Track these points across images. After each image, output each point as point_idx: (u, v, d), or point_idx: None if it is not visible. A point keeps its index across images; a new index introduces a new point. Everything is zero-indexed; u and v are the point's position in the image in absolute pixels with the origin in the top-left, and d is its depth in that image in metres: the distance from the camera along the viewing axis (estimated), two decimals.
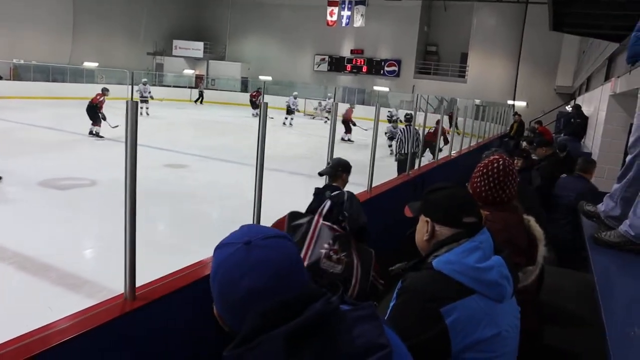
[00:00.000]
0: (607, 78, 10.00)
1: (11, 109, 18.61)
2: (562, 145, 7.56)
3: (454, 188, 1.65)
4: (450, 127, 11.61)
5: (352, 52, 34.05)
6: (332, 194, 3.12)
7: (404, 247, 1.94)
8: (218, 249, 0.97)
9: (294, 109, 22.94)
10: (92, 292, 4.66)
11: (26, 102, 21.69)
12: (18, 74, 26.08)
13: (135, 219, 2.08)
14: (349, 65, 34.02)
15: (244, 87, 34.45)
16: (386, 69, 32.78)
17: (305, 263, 2.78)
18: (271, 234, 0.96)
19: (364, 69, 33.56)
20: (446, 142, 10.72)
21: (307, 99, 28.37)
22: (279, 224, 3.05)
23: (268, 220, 2.77)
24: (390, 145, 15.26)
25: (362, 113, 21.87)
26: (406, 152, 9.54)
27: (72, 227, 6.61)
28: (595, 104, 9.02)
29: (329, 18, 31.72)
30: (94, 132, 14.20)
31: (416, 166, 7.03)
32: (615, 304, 2.06)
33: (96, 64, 28.57)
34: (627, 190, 2.54)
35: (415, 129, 9.82)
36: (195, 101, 30.96)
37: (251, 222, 2.54)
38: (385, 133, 15.60)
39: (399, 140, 10.24)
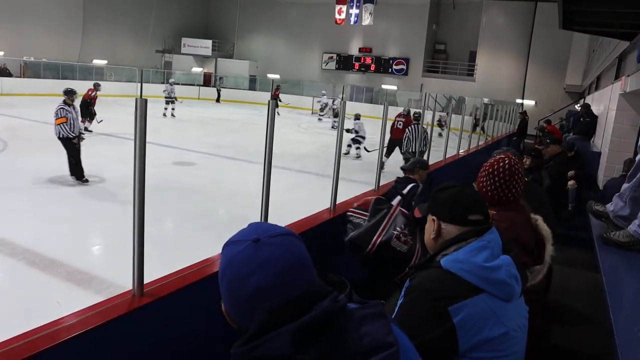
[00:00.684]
0: (617, 77, 9.92)
1: (21, 106, 18.75)
2: (570, 144, 7.51)
3: (461, 187, 1.65)
4: (475, 130, 11.17)
5: (360, 50, 33.98)
6: (409, 188, 3.79)
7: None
8: (227, 246, 0.98)
9: (326, 107, 23.80)
10: (100, 288, 4.70)
11: (36, 99, 21.82)
12: (28, 71, 26.25)
13: (143, 216, 2.10)
14: (357, 64, 33.95)
15: (252, 85, 34.49)
16: (394, 67, 32.69)
17: (378, 240, 3.28)
18: (279, 231, 0.96)
19: (372, 67, 33.48)
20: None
21: (315, 97, 28.39)
22: (364, 202, 3.65)
23: (276, 217, 2.77)
24: (349, 145, 13.64)
25: (369, 112, 21.84)
26: (414, 150, 9.53)
27: (81, 223, 6.65)
28: (605, 102, 8.95)
29: (337, 16, 31.66)
30: (86, 129, 14.21)
31: None
32: (623, 304, 2.05)
33: (105, 62, 28.71)
34: (637, 190, 2.52)
35: (424, 127, 9.79)
36: (217, 100, 30.95)
37: (259, 220, 2.55)
38: (348, 130, 13.15)
39: (406, 139, 10.23)
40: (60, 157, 8.53)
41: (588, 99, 15.59)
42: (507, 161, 2.17)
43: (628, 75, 6.44)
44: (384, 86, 31.42)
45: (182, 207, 7.71)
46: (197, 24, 37.23)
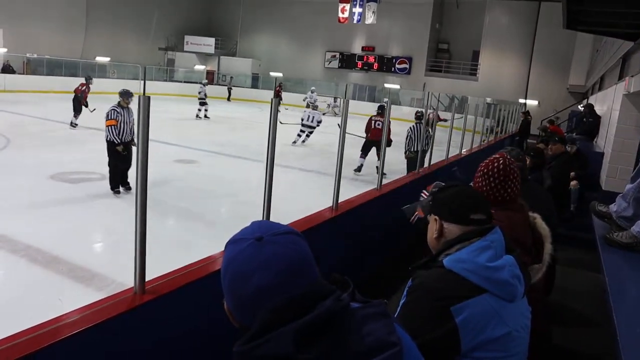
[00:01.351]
0: (620, 77, 9.90)
1: (24, 103, 18.80)
2: (571, 139, 7.49)
3: (463, 186, 1.65)
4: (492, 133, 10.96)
5: (363, 49, 33.97)
6: None
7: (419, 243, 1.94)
8: (229, 244, 0.97)
9: (312, 103, 23.25)
10: (102, 285, 4.70)
11: (39, 96, 21.87)
12: (31, 68, 26.31)
13: (145, 213, 2.10)
14: (359, 63, 33.94)
15: (255, 83, 34.49)
16: (397, 66, 32.68)
17: (418, 216, 3.27)
18: (282, 230, 0.96)
19: (375, 66, 33.47)
20: (389, 143, 9.01)
21: (319, 95, 28.35)
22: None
23: (278, 216, 2.77)
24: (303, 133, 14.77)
25: (372, 111, 21.79)
26: (416, 150, 9.51)
27: (83, 220, 6.66)
28: (608, 103, 8.93)
29: (340, 15, 31.67)
30: (72, 124, 14.28)
31: (426, 164, 7.00)
32: (626, 305, 2.04)
33: (108, 59, 28.74)
34: None
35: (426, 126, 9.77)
36: (227, 99, 30.90)
37: (261, 218, 2.55)
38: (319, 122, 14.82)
39: (408, 138, 10.22)
40: (61, 154, 8.54)
41: (591, 99, 15.56)
42: (501, 161, 2.17)
43: (632, 76, 6.42)
44: (386, 85, 31.41)
45: (184, 204, 7.72)
46: (200, 22, 37.27)
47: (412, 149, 9.98)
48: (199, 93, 20.22)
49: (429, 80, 31.45)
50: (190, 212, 7.43)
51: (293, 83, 31.80)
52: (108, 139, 7.73)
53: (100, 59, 28.45)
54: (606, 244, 2.53)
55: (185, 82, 33.10)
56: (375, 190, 4.79)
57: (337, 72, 34.49)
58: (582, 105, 16.90)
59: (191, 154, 11.81)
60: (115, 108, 7.82)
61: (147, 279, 2.15)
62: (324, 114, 25.83)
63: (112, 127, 7.68)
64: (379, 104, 12.28)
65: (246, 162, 11.37)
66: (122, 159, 7.80)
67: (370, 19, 30.70)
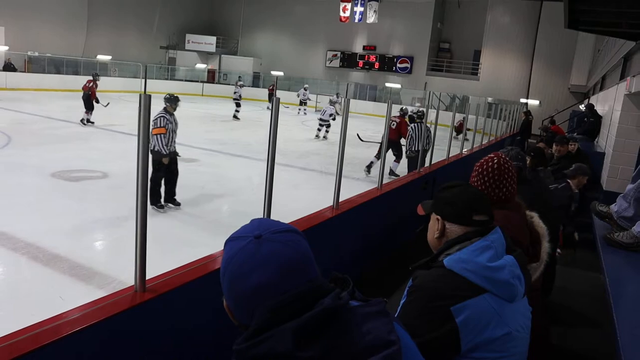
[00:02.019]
0: (622, 77, 9.89)
1: (25, 101, 18.80)
2: (572, 138, 7.49)
3: (465, 186, 1.65)
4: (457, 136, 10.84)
5: (364, 48, 33.93)
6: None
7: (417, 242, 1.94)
8: (229, 242, 0.97)
9: (305, 100, 24.16)
10: (102, 283, 4.70)
11: (40, 94, 21.88)
12: (32, 66, 26.30)
13: (146, 212, 2.10)
14: (361, 62, 33.90)
15: (256, 82, 34.46)
16: (398, 65, 32.64)
17: None
18: (282, 228, 0.96)
19: (376, 65, 33.42)
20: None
21: (319, 95, 28.33)
22: None
23: (278, 214, 2.78)
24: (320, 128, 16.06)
25: (373, 110, 21.81)
26: (417, 149, 9.52)
27: (84, 218, 6.66)
28: (609, 103, 8.92)
29: (341, 14, 31.65)
30: (84, 121, 14.30)
31: (426, 163, 7.01)
32: (626, 305, 2.04)
33: (109, 57, 28.74)
34: None
35: (427, 126, 9.77)
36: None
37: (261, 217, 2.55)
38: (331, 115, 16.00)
39: (409, 137, 10.22)
40: (63, 153, 8.54)
41: (592, 99, 15.53)
42: (496, 160, 2.17)
43: (634, 76, 6.41)
44: (387, 84, 31.37)
45: (184, 202, 7.71)
46: (201, 21, 37.25)
47: (413, 149, 9.98)
48: (235, 93, 20.61)
49: (430, 79, 31.42)
50: (191, 211, 7.43)
51: (294, 82, 31.75)
52: (155, 148, 6.90)
53: (102, 57, 28.44)
54: (607, 244, 2.53)
55: (186, 80, 33.10)
56: (375, 189, 4.79)
57: (338, 71, 34.46)
58: (583, 105, 16.89)
59: (192, 152, 11.80)
60: (164, 115, 7.08)
61: (147, 277, 2.16)
62: (304, 111, 25.84)
63: (162, 135, 6.97)
64: (400, 107, 12.27)
65: (247, 161, 11.37)
66: (169, 170, 7.25)
67: (371, 18, 30.68)
